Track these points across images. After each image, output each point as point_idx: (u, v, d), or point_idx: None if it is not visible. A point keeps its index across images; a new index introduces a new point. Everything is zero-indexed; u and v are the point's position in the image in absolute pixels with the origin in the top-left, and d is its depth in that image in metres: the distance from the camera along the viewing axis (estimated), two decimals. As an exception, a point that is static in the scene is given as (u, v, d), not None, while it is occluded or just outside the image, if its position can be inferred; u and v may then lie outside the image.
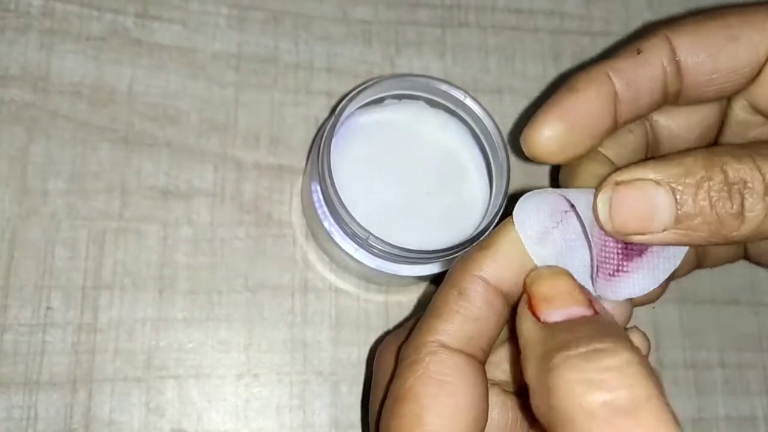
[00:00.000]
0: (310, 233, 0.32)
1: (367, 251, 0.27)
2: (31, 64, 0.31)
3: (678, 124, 0.26)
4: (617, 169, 0.22)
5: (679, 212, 0.20)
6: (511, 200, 0.31)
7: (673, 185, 0.20)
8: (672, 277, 0.23)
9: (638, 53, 0.24)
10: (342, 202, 0.26)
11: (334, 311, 0.31)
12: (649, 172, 0.21)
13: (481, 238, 0.27)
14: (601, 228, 0.22)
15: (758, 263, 0.30)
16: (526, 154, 0.25)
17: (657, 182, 0.21)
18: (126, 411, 0.29)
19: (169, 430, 0.29)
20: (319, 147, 0.27)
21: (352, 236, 0.27)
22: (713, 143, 0.27)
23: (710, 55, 0.24)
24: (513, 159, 0.28)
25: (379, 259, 0.28)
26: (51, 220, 0.30)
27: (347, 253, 0.28)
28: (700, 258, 0.29)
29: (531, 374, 0.20)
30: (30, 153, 0.30)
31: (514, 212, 0.22)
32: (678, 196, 0.20)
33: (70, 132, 0.31)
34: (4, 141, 0.30)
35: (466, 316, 0.22)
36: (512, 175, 0.28)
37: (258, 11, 0.34)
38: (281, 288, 0.31)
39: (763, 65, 0.24)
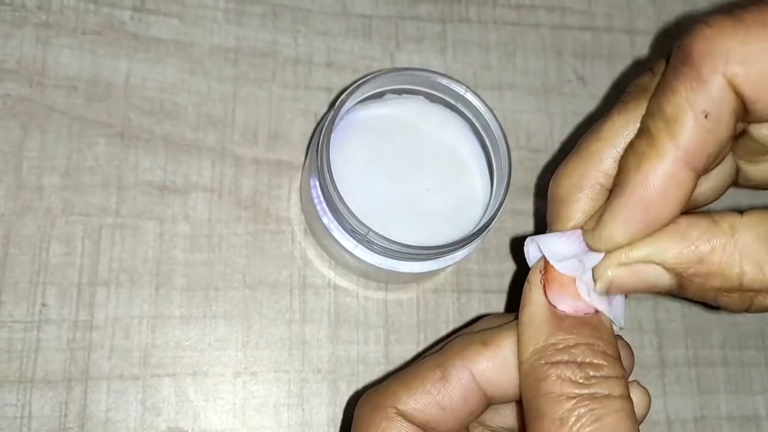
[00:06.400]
0: (309, 229, 0.31)
1: (367, 247, 0.27)
2: (27, 58, 0.31)
3: None
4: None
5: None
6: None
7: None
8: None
9: (705, 117, 0.20)
10: (341, 197, 0.26)
11: (333, 308, 0.31)
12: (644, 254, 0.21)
13: (481, 231, 0.27)
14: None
15: (754, 187, 0.28)
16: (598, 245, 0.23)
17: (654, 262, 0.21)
18: (122, 409, 0.28)
19: (166, 428, 0.28)
20: (318, 142, 0.26)
21: (351, 232, 0.27)
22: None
23: None
24: (513, 154, 0.28)
25: (379, 256, 0.27)
26: (46, 216, 0.29)
27: (346, 250, 0.27)
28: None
29: (525, 359, 0.21)
30: (25, 148, 0.30)
31: (538, 247, 0.23)
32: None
33: (66, 127, 0.30)
34: (-1, 135, 0.30)
35: (437, 401, 0.22)
36: (513, 171, 0.28)
37: (256, 5, 0.34)
38: (279, 285, 0.31)
39: None
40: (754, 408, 0.34)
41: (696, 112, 0.20)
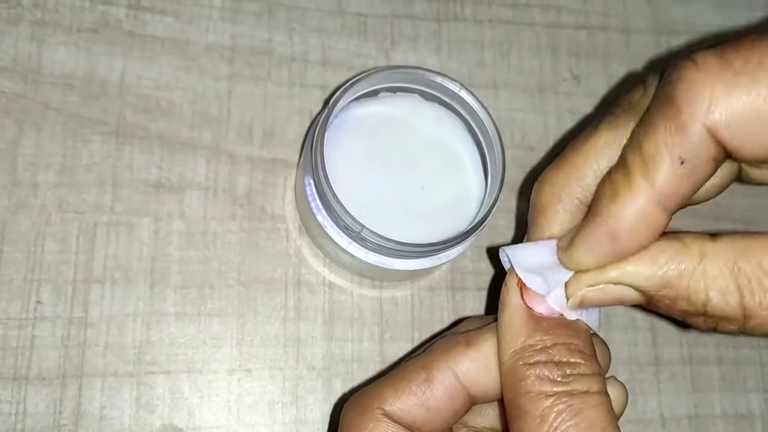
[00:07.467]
0: (303, 227, 0.31)
1: (361, 245, 0.27)
2: (22, 56, 0.31)
3: None
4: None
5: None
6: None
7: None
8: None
9: (681, 163, 0.20)
10: (335, 195, 0.26)
11: (328, 306, 0.31)
12: (613, 276, 0.22)
13: (477, 230, 0.27)
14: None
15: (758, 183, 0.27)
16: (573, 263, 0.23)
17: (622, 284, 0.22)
18: (116, 406, 0.28)
19: (160, 425, 0.28)
20: (313, 140, 0.27)
21: (346, 230, 0.27)
22: None
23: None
24: (508, 152, 0.28)
25: (373, 253, 0.27)
26: (41, 213, 0.29)
27: (341, 247, 0.27)
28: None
29: (505, 360, 0.22)
30: (20, 145, 0.30)
31: (510, 260, 0.23)
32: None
33: (61, 124, 0.31)
34: (-6, 133, 0.30)
35: (422, 402, 0.23)
36: (507, 169, 0.28)
37: (252, 3, 0.34)
38: (274, 282, 0.31)
39: None
40: (748, 406, 0.34)
41: (672, 157, 0.20)
